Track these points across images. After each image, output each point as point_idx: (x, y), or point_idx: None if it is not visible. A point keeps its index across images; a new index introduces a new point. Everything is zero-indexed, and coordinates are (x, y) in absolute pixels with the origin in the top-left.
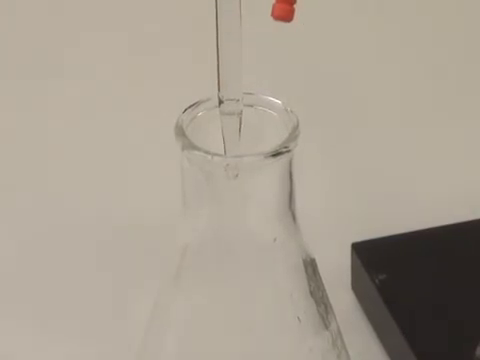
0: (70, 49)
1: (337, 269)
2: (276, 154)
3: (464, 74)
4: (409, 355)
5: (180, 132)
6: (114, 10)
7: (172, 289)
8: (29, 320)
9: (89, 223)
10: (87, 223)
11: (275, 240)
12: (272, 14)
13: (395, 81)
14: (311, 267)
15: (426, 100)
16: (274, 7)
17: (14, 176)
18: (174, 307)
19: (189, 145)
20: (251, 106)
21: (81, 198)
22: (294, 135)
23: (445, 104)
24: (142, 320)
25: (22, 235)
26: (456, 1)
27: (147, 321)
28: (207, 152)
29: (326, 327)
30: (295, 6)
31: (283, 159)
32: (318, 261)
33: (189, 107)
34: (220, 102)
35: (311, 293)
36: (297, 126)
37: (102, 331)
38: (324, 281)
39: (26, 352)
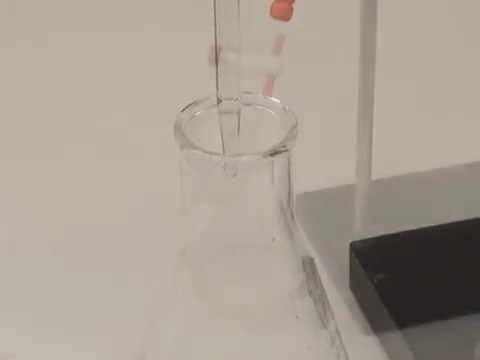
0: (69, 49)
1: (335, 268)
2: (274, 153)
3: (462, 75)
4: (408, 355)
5: (179, 131)
6: (114, 9)
7: (172, 289)
8: (29, 320)
9: (89, 223)
10: (87, 223)
11: (274, 240)
12: (271, 13)
13: (394, 81)
14: (310, 266)
15: (425, 100)
16: (273, 6)
17: (14, 176)
18: (174, 307)
19: (188, 144)
20: (249, 105)
21: (81, 198)
22: (292, 134)
23: (444, 104)
24: (142, 320)
25: (22, 235)
26: (456, 2)
27: (147, 321)
28: (205, 151)
29: (325, 326)
30: (293, 5)
31: (281, 158)
32: (316, 260)
33: (187, 106)
34: (218, 101)
35: (310, 292)
36: (295, 125)
37: (102, 331)
38: (322, 280)
39: (26, 352)
